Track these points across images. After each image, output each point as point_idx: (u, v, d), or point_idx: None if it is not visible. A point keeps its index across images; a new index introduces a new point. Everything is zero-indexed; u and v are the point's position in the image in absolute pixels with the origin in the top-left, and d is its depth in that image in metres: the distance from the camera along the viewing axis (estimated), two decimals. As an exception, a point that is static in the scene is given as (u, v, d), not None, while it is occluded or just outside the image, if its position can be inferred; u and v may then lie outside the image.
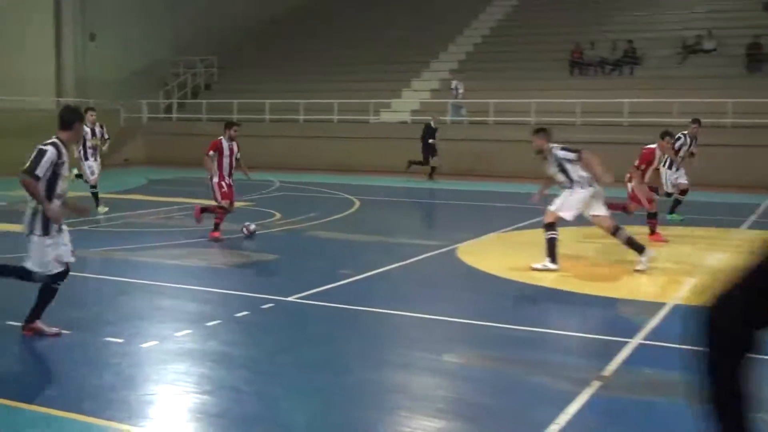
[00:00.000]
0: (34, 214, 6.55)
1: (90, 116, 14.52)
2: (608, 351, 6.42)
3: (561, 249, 11.21)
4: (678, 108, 22.22)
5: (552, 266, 9.57)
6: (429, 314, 7.72)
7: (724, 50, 25.72)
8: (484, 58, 28.89)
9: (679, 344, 6.74)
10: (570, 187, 9.62)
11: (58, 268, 6.69)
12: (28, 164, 6.44)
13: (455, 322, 7.55)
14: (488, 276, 9.65)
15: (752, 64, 24.66)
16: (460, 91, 25.33)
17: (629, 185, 11.94)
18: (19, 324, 6.89)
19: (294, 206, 16.23)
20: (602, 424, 5.11)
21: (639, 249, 9.69)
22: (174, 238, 12.03)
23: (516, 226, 13.53)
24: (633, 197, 11.88)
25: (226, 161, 11.95)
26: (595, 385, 5.65)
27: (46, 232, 6.53)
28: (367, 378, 5.97)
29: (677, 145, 13.63)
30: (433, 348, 6.64)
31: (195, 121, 28.91)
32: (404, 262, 10.35)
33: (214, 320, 7.28)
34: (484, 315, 7.79)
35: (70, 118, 6.78)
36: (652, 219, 12.08)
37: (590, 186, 9.53)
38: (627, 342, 6.69)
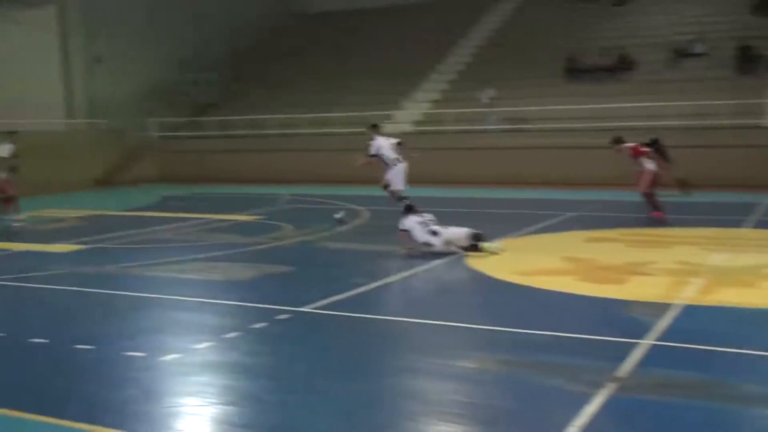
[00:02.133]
0: None
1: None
2: (620, 352, 6.35)
3: (565, 251, 11.21)
4: (672, 111, 22.22)
5: None
6: (441, 321, 7.67)
7: (715, 53, 25.68)
8: (481, 69, 28.86)
9: (692, 345, 6.70)
10: None
11: None
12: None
13: (467, 327, 7.49)
14: (497, 281, 9.60)
15: (743, 66, 24.61)
16: (488, 100, 25.13)
17: None
18: (45, 341, 6.91)
19: (304, 218, 16.18)
20: (620, 426, 5.05)
21: None
22: (189, 252, 11.99)
23: (523, 231, 13.48)
24: None
25: None
26: (611, 386, 5.59)
27: None
28: (383, 384, 5.93)
29: None
30: (446, 354, 6.59)
31: (202, 138, 28.94)
32: (414, 270, 10.30)
33: (233, 332, 7.25)
34: (495, 320, 7.74)
35: None
36: None
37: None
38: (639, 343, 6.62)
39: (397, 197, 14.33)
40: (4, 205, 16.31)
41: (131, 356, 6.56)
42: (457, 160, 24.10)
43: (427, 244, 11.04)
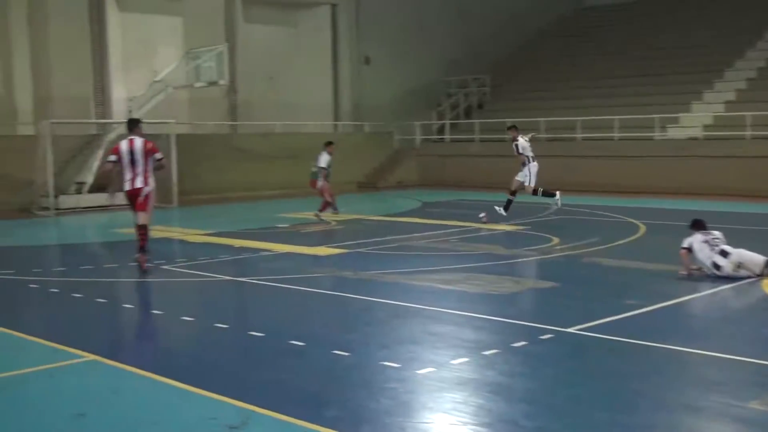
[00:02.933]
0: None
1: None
2: None
3: None
4: None
5: None
6: (729, 354, 7.19)
7: None
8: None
9: None
10: None
11: None
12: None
13: (760, 364, 6.95)
14: (800, 312, 8.86)
15: None
16: None
17: None
18: (302, 344, 7.42)
19: (573, 230, 15.95)
20: None
21: None
22: (448, 262, 12.28)
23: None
24: None
25: None
26: None
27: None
28: (656, 420, 5.66)
29: None
30: (734, 392, 6.16)
31: (467, 141, 29.48)
32: (699, 294, 9.79)
33: (491, 349, 7.31)
34: (797, 357, 7.12)
35: None
36: None
37: None
38: None
39: (532, 191, 17.13)
40: (328, 208, 18.41)
41: (386, 366, 6.84)
42: (755, 169, 22.47)
43: (715, 266, 10.41)
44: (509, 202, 17.32)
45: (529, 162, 17.13)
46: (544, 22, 36.71)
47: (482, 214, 17.14)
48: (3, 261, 13.58)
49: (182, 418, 5.81)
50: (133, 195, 11.68)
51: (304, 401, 6.07)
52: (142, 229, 11.69)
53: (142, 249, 11.71)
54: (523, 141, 17.28)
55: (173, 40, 26.86)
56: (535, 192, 17.16)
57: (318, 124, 29.84)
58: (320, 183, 18.23)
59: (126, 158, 11.60)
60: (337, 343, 7.59)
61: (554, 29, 36.43)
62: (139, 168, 11.61)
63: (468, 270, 11.52)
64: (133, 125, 12.06)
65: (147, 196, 11.70)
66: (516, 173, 17.26)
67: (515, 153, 17.26)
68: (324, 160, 18.25)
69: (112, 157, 11.80)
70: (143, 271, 11.60)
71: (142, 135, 11.93)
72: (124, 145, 11.72)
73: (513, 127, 17.98)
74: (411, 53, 32.08)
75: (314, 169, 18.30)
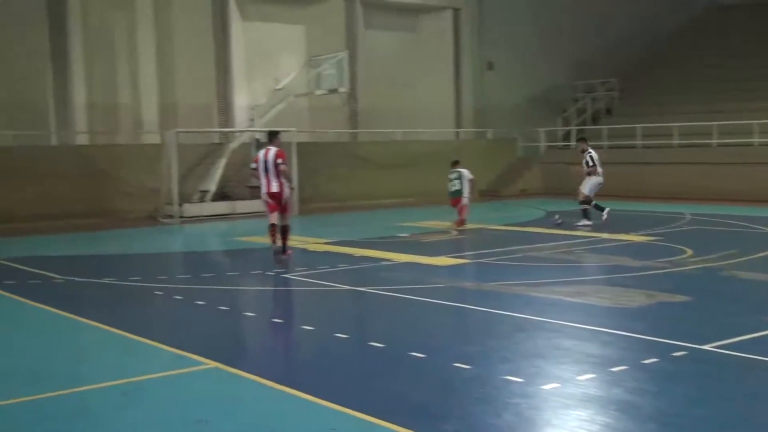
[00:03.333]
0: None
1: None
2: None
3: None
4: None
5: None
6: None
7: None
8: None
9: None
10: None
11: None
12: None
13: None
14: None
15: None
16: None
17: None
18: (422, 355, 7.45)
19: (709, 242, 15.44)
20: None
21: None
22: (574, 274, 12.09)
23: None
24: None
25: None
26: None
27: None
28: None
29: None
30: None
31: (594, 149, 28.86)
32: None
33: (619, 365, 7.15)
34: None
35: None
36: None
37: None
38: None
39: (583, 200, 17.90)
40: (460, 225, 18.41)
41: (509, 380, 6.79)
42: None
43: None
44: (585, 209, 17.86)
45: (596, 174, 17.92)
46: (676, 22, 35.67)
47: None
48: (130, 268, 14.20)
49: (302, 427, 5.93)
50: (274, 197, 13.40)
51: (423, 414, 6.09)
52: (285, 230, 13.65)
53: (284, 248, 13.68)
54: (595, 153, 18.08)
55: (295, 48, 27.49)
56: (587, 202, 17.90)
57: (439, 131, 29.93)
58: (466, 199, 18.30)
59: (261, 166, 13.40)
60: (458, 355, 7.60)
61: (687, 29, 35.35)
62: (271, 174, 13.32)
63: (595, 282, 11.32)
64: (272, 136, 13.81)
65: (288, 200, 13.54)
66: (582, 183, 18.09)
67: (588, 166, 17.91)
68: (468, 172, 18.48)
69: (253, 165, 13.75)
70: (287, 259, 13.56)
71: (279, 145, 13.54)
72: (261, 154, 13.56)
73: (583, 138, 18.95)
74: (535, 57, 31.78)
75: (457, 187, 18.27)
